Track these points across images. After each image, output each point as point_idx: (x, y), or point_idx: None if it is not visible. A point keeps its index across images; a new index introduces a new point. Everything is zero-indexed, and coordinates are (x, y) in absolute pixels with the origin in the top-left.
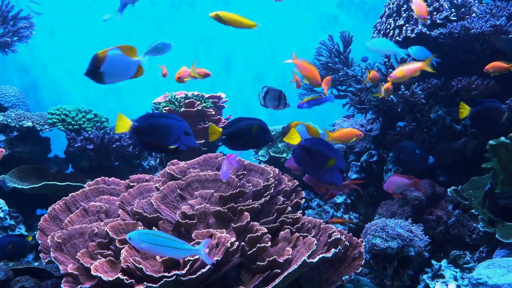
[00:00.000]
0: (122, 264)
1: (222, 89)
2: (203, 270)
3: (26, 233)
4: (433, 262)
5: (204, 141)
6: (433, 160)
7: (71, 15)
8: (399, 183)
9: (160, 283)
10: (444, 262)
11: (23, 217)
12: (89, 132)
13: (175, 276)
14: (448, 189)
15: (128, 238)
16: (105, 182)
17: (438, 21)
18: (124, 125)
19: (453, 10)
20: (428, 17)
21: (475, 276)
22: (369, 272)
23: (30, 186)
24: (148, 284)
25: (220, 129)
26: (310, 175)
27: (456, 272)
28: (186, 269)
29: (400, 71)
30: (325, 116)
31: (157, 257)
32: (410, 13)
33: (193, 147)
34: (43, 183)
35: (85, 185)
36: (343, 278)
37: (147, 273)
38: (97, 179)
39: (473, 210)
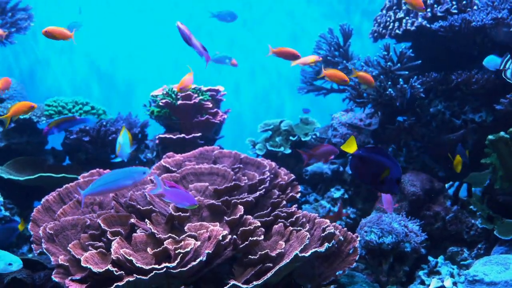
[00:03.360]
0: (112, 256)
1: (221, 82)
2: (194, 263)
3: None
4: (430, 258)
5: (200, 134)
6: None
7: (71, 3)
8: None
9: (150, 275)
10: (440, 259)
11: (19, 209)
12: None
13: (165, 269)
14: (446, 185)
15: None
16: (100, 174)
17: (439, 13)
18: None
19: (454, 2)
20: (424, 7)
21: (472, 273)
22: (365, 268)
23: (25, 178)
24: (138, 276)
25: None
26: (366, 183)
27: (453, 269)
28: (176, 261)
29: None
30: (325, 110)
31: (148, 250)
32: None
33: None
34: (38, 174)
35: (79, 177)
36: (337, 273)
37: (137, 265)
38: (92, 171)
39: (471, 206)
